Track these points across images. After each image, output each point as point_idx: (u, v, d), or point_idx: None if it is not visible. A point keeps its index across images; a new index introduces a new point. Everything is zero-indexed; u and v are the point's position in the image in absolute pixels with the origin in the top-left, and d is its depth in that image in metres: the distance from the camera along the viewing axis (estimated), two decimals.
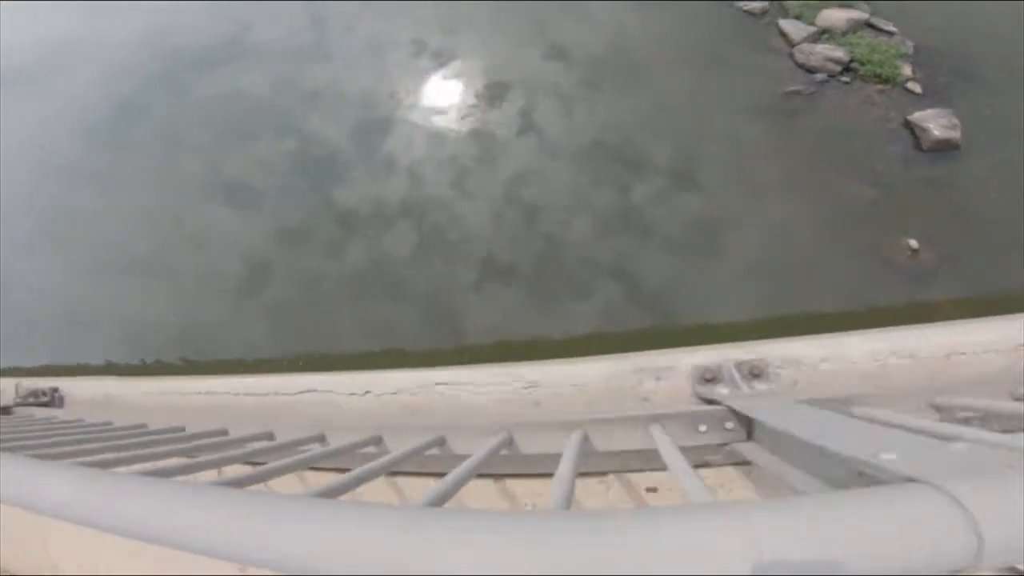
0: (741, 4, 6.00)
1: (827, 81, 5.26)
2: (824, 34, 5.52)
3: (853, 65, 5.25)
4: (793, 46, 5.51)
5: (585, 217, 4.98)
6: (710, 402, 1.21)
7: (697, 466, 1.04)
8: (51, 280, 6.15)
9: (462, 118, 6.28)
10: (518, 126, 6.05)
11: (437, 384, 1.42)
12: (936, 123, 4.69)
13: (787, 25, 5.65)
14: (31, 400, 3.05)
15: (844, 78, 5.25)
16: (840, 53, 5.26)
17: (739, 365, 1.26)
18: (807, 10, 5.73)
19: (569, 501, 0.69)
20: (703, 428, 1.08)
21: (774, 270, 4.45)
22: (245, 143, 6.85)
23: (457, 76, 6.74)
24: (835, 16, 5.56)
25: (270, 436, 1.26)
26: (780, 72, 5.50)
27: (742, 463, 1.14)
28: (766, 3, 5.94)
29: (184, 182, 6.71)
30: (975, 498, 0.39)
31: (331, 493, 0.70)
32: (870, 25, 5.57)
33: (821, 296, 4.28)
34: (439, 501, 0.69)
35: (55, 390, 3.01)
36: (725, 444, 1.07)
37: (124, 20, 9.14)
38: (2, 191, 7.29)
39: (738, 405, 1.06)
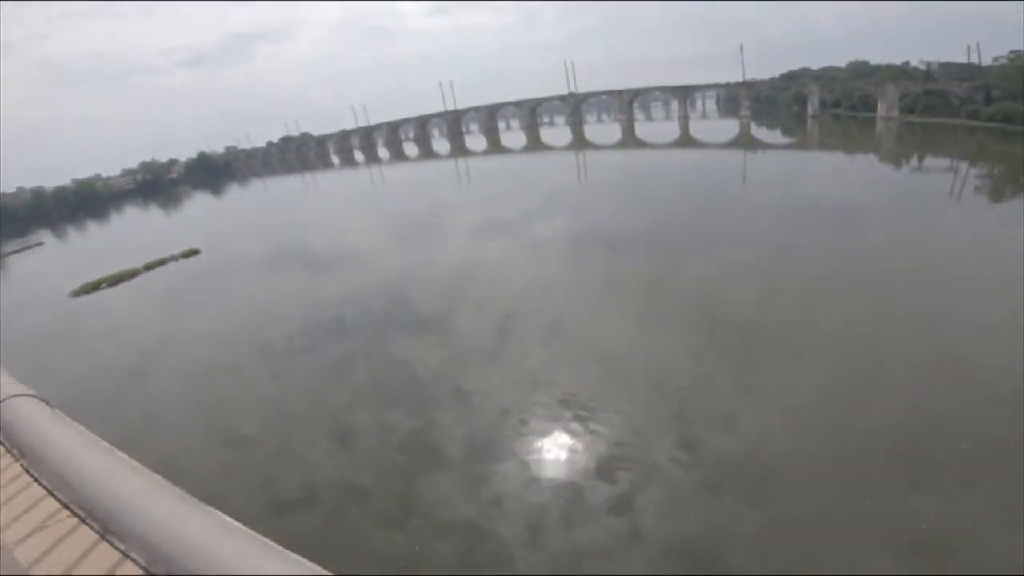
0: None
1: None
2: None
3: None
4: None
5: None
6: None
7: None
8: (182, 406, 7.10)
9: (568, 476, 6.30)
10: (614, 504, 5.71)
11: None
12: None
13: None
14: None
15: None
16: None
17: None
18: None
19: None
20: None
21: None
22: (386, 403, 7.81)
23: (584, 436, 6.90)
24: None
25: None
26: None
27: None
28: None
29: (325, 408, 7.68)
30: None
31: None
32: None
33: None
34: None
35: None
36: None
37: (402, 266, 11.71)
38: (213, 330, 9.10)
39: None
